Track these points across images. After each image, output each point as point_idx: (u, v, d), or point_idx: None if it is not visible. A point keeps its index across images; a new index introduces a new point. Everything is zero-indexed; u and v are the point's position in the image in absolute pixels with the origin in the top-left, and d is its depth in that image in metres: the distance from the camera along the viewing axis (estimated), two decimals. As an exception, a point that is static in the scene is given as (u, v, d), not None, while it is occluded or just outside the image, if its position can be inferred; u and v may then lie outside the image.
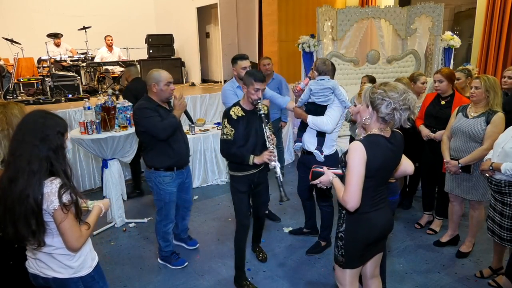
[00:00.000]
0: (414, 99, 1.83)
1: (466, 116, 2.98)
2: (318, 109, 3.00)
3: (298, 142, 3.14)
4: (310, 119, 2.98)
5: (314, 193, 3.40)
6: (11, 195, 1.54)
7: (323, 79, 2.95)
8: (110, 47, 7.70)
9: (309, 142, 3.07)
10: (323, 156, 3.00)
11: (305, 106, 3.13)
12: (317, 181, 2.04)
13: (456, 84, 3.56)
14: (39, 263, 1.72)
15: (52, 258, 1.69)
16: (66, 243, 1.63)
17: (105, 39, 7.62)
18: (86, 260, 1.78)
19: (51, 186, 1.55)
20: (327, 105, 2.99)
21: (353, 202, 1.80)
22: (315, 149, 3.02)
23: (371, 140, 1.83)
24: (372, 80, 4.22)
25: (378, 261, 2.16)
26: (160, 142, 2.87)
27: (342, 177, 1.98)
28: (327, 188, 2.11)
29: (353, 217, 1.92)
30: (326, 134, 3.01)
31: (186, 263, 3.19)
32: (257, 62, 7.34)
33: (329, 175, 2.01)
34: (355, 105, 2.36)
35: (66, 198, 1.56)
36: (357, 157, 1.78)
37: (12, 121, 1.85)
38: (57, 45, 7.60)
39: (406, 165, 2.07)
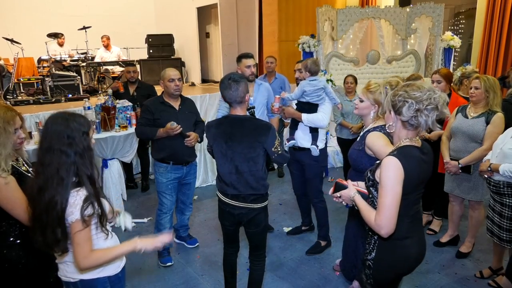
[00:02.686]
0: (443, 98, 1.59)
1: (466, 116, 2.98)
2: (312, 108, 3.13)
3: (292, 140, 3.23)
4: (305, 117, 3.09)
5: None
6: (39, 204, 1.53)
7: (315, 79, 3.08)
8: (106, 47, 7.69)
9: (303, 138, 3.17)
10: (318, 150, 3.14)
11: (296, 106, 3.24)
12: (337, 194, 1.81)
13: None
14: (67, 268, 1.68)
15: None
16: (75, 256, 1.58)
17: (101, 39, 7.61)
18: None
19: (76, 197, 1.53)
20: (316, 103, 3.12)
21: (388, 228, 1.56)
22: (312, 145, 3.12)
23: (406, 153, 1.59)
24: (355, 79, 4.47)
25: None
26: (174, 139, 3.02)
27: (364, 196, 1.77)
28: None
29: (386, 245, 1.68)
30: (319, 129, 3.15)
31: (170, 263, 3.21)
32: (257, 62, 7.35)
33: (351, 190, 1.77)
34: (361, 101, 2.36)
35: (88, 212, 1.53)
36: (394, 174, 1.54)
37: None
38: (61, 44, 7.58)
39: None
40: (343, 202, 1.81)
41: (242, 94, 2.18)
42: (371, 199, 1.74)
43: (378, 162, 1.73)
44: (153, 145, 3.23)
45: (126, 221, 1.92)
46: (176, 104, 3.10)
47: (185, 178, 3.27)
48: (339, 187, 1.82)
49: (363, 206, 1.69)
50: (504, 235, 2.60)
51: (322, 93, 3.09)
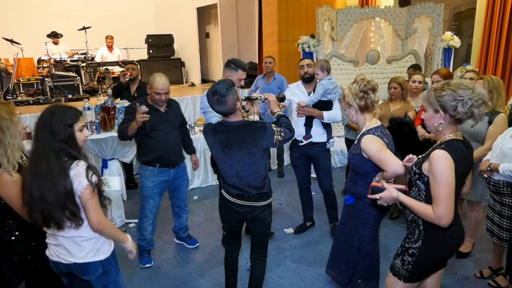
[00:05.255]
0: (484, 90, 1.71)
1: None
2: (328, 105, 3.32)
3: (310, 137, 3.36)
4: (326, 114, 3.28)
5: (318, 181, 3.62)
6: (36, 186, 1.64)
7: (331, 78, 3.25)
8: (110, 47, 7.70)
9: (318, 134, 3.38)
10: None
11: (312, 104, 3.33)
12: (376, 196, 1.88)
13: None
14: (61, 250, 1.78)
15: (74, 243, 1.76)
16: (90, 220, 1.71)
17: (105, 39, 7.62)
18: (104, 244, 1.85)
19: (77, 168, 1.65)
20: (332, 100, 3.31)
21: (449, 218, 1.66)
22: (331, 139, 3.41)
23: (453, 146, 1.69)
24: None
25: (440, 275, 2.03)
26: (140, 138, 2.98)
27: (405, 193, 1.85)
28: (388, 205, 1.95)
29: (433, 235, 1.79)
30: (330, 124, 3.44)
31: (149, 265, 3.19)
32: (257, 62, 7.34)
33: (392, 191, 1.83)
34: (345, 110, 2.39)
35: (94, 178, 1.68)
36: (446, 166, 1.64)
37: (1, 124, 1.81)
38: (55, 43, 7.58)
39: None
40: (384, 203, 1.89)
41: (232, 106, 2.12)
42: (417, 192, 1.81)
43: (423, 155, 1.80)
44: (138, 147, 3.13)
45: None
46: (162, 107, 3.02)
47: (174, 182, 3.19)
48: (375, 190, 1.88)
49: (414, 203, 1.77)
50: (504, 235, 2.60)
51: (337, 90, 3.34)
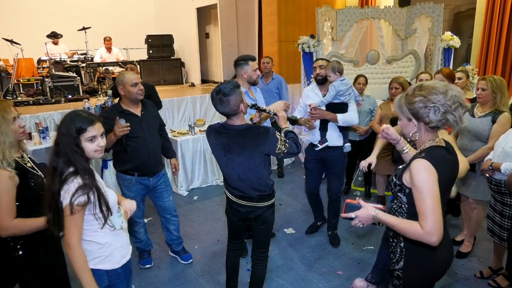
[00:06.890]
0: (460, 92, 1.55)
1: (473, 115, 2.97)
2: (343, 107, 3.22)
3: (325, 142, 3.29)
4: (341, 117, 3.19)
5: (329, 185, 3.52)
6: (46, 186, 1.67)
7: (344, 79, 3.15)
8: (109, 49, 7.69)
9: (333, 138, 3.29)
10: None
11: (326, 107, 3.24)
12: (351, 214, 1.68)
13: (458, 84, 3.53)
14: None
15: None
16: (65, 236, 1.64)
17: (104, 41, 7.61)
18: (113, 254, 1.74)
19: (70, 184, 1.58)
20: (347, 102, 3.21)
21: (439, 233, 1.47)
22: (346, 144, 3.32)
23: (434, 154, 1.55)
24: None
25: None
26: (117, 145, 2.79)
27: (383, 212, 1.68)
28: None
29: (415, 252, 1.63)
30: (347, 128, 3.34)
31: (149, 265, 3.18)
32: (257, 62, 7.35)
33: (369, 210, 1.65)
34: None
35: (79, 200, 1.57)
36: (428, 176, 1.49)
37: None
38: (55, 43, 7.57)
39: None
40: (359, 224, 1.68)
41: (234, 107, 2.09)
42: (399, 205, 1.68)
43: (403, 166, 1.68)
44: (115, 156, 2.95)
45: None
46: (137, 111, 2.85)
47: (155, 188, 3.03)
48: (350, 208, 1.70)
49: (397, 221, 1.60)
50: (505, 235, 2.60)
51: (352, 91, 3.25)
